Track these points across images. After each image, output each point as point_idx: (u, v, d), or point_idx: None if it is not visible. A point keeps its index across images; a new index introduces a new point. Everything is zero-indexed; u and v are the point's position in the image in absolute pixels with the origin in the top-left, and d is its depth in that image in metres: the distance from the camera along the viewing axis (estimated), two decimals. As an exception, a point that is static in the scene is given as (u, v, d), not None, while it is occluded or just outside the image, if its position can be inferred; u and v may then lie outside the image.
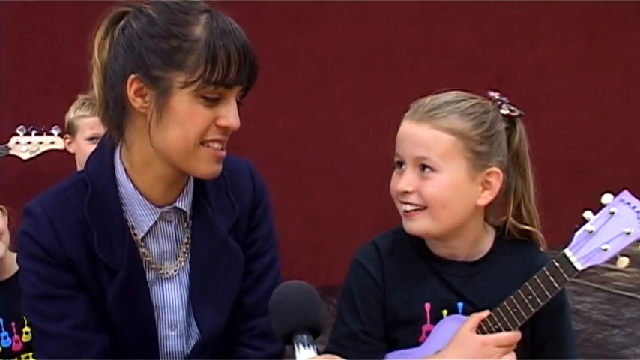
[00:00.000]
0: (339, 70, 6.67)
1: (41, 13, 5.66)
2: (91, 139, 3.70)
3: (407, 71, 6.60)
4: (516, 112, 2.10)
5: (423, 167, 2.01)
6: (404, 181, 2.03)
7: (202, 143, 1.88)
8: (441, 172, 2.00)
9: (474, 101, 2.06)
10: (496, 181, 2.05)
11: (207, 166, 1.91)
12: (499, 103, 2.09)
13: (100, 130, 3.61)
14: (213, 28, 1.83)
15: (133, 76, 1.85)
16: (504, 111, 2.08)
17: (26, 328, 2.75)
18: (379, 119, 7.09)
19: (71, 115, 3.80)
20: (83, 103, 3.77)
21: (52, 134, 4.20)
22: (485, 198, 2.06)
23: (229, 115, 1.87)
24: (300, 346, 1.61)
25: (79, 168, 3.73)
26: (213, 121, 1.87)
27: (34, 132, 4.28)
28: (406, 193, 2.02)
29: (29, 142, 4.26)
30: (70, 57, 5.73)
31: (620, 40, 7.44)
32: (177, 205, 2.00)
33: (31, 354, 2.77)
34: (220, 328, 2.03)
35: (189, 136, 1.86)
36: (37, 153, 4.25)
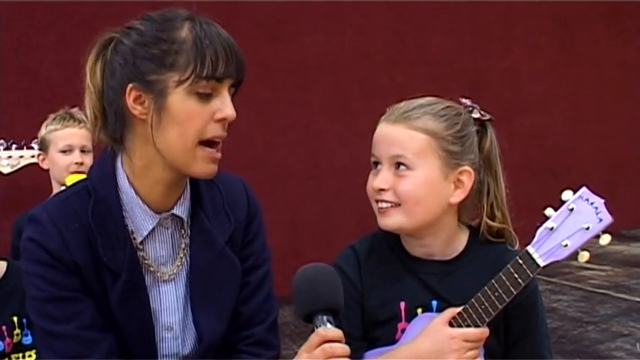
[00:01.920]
0: (316, 79, 6.70)
1: (22, 27, 5.68)
2: (64, 151, 3.74)
3: (383, 78, 6.63)
4: (487, 117, 2.18)
5: (399, 165, 2.08)
6: (380, 178, 2.10)
7: (202, 143, 1.95)
8: (415, 170, 2.08)
9: (447, 104, 2.15)
10: (468, 180, 2.13)
11: (204, 166, 1.97)
12: (470, 108, 2.18)
13: (73, 141, 3.70)
14: (198, 29, 1.91)
15: (130, 85, 1.92)
16: (475, 115, 2.17)
17: (17, 330, 2.79)
18: (357, 126, 6.93)
19: (42, 131, 3.82)
20: (54, 119, 3.80)
21: (32, 148, 4.23)
22: (458, 196, 2.13)
23: (224, 107, 1.93)
24: (328, 324, 1.81)
25: (54, 183, 3.77)
26: (210, 117, 1.93)
27: (14, 146, 4.32)
28: (382, 190, 2.09)
29: (9, 157, 4.28)
30: (49, 71, 5.77)
31: (591, 44, 7.50)
32: (174, 211, 2.06)
33: (20, 355, 2.82)
34: (220, 334, 2.09)
35: (188, 134, 1.93)
36: (18, 167, 4.27)
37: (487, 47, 7.26)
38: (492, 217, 2.19)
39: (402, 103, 2.15)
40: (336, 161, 6.58)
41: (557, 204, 2.05)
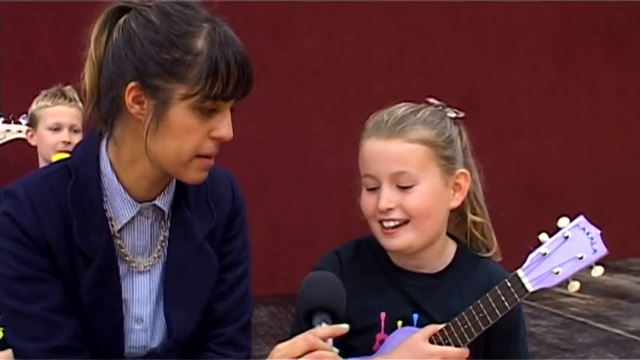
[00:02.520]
0: (313, 81, 6.68)
1: (17, 3, 5.63)
2: (52, 128, 3.71)
3: (380, 86, 6.61)
4: (461, 114, 2.15)
5: (401, 181, 2.04)
6: (384, 199, 2.05)
7: (196, 155, 1.92)
8: (420, 183, 2.05)
9: (428, 110, 2.12)
10: (465, 182, 2.11)
11: (196, 174, 1.94)
12: (441, 107, 2.14)
13: (62, 119, 3.67)
14: (215, 41, 1.85)
15: (132, 84, 1.86)
16: (451, 114, 2.14)
17: None
18: (350, 132, 7.00)
19: (33, 107, 3.79)
20: (45, 95, 3.77)
21: (19, 123, 4.19)
22: (457, 199, 2.11)
23: (223, 127, 1.90)
24: (324, 323, 1.78)
25: (41, 160, 3.74)
26: (207, 133, 1.90)
27: (1, 119, 4.27)
28: (389, 210, 2.05)
29: (-5, 129, 4.24)
30: (43, 48, 5.72)
31: (590, 72, 7.49)
32: (156, 202, 2.02)
33: None
34: (190, 330, 2.05)
35: (185, 149, 1.89)
36: (4, 141, 4.23)
37: (486, 65, 7.25)
38: (475, 212, 2.17)
39: (384, 116, 2.10)
40: (325, 165, 6.56)
41: (542, 230, 2.02)
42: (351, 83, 6.74)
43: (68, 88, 3.74)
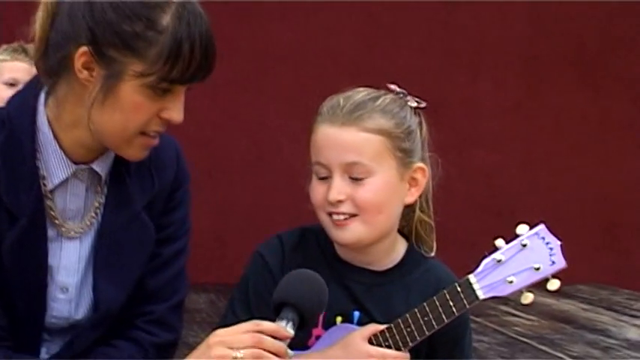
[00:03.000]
0: (276, 69, 6.65)
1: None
2: (8, 83, 3.62)
3: (344, 83, 6.49)
4: (422, 104, 2.05)
5: (354, 172, 1.94)
6: (335, 190, 1.94)
7: (140, 133, 1.83)
8: (374, 176, 1.94)
9: (388, 97, 2.00)
10: (422, 177, 2.01)
11: (137, 152, 1.86)
12: (402, 95, 2.03)
13: (19, 75, 3.56)
14: (183, 18, 1.75)
15: (85, 48, 1.75)
16: (412, 104, 2.02)
17: None
18: (308, 125, 7.20)
19: None
20: (5, 49, 3.71)
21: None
22: (412, 195, 2.01)
23: (175, 109, 1.81)
24: (289, 322, 1.69)
25: None
26: (157, 112, 1.81)
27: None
28: (339, 202, 1.94)
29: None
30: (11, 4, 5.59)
31: (557, 94, 7.51)
32: (93, 166, 1.92)
33: None
34: (119, 305, 1.95)
35: (130, 126, 1.80)
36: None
37: (453, 74, 7.23)
38: (424, 210, 2.07)
39: (340, 100, 1.98)
40: (280, 156, 6.53)
41: (491, 244, 1.92)
42: (314, 76, 6.70)
43: (31, 46, 3.62)
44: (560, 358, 4.60)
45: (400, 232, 2.08)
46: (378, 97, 1.98)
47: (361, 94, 1.99)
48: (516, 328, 5.27)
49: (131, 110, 1.79)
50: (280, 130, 6.60)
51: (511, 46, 7.42)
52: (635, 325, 5.46)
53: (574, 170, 7.48)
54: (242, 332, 1.69)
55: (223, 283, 5.96)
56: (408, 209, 2.06)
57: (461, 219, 6.44)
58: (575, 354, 4.68)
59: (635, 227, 7.45)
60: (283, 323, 1.70)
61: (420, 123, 2.03)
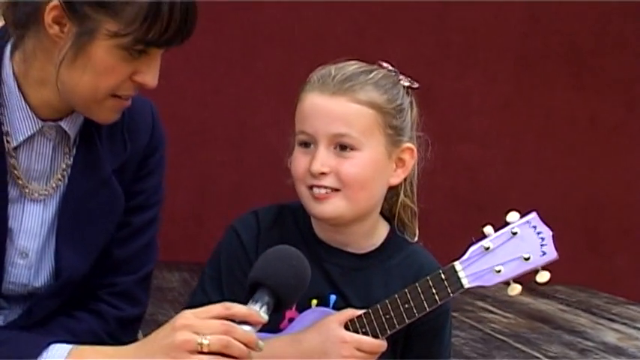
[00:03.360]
0: (264, 49, 6.56)
1: None
2: None
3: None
4: (415, 85, 1.98)
5: (341, 145, 1.85)
6: (319, 161, 1.85)
7: (112, 95, 1.73)
8: (361, 150, 1.86)
9: (382, 72, 1.93)
10: (409, 158, 1.93)
11: (107, 114, 1.77)
12: (394, 73, 1.96)
13: None
14: None
15: (56, 2, 1.65)
16: (405, 83, 1.96)
17: None
18: (294, 108, 7.20)
19: None
20: None
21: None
22: (398, 176, 1.93)
23: (149, 74, 1.72)
24: (264, 306, 1.56)
25: None
26: (130, 75, 1.71)
27: None
28: (322, 174, 1.85)
29: None
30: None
31: (547, 92, 7.44)
32: (62, 124, 1.81)
33: None
34: (82, 274, 1.85)
35: (101, 87, 1.71)
36: None
37: (444, 65, 7.17)
38: (408, 195, 2.00)
39: (332, 70, 1.91)
40: (264, 137, 6.43)
41: (477, 239, 1.84)
42: (303, 59, 6.60)
43: None
44: (537, 357, 4.54)
45: (383, 215, 1.99)
46: (371, 71, 1.92)
47: (354, 66, 1.92)
48: (493, 325, 5.20)
49: (103, 71, 1.69)
50: (266, 111, 6.51)
51: (504, 41, 7.34)
52: (612, 329, 5.41)
53: (560, 170, 7.42)
54: (211, 316, 1.57)
55: (197, 263, 5.97)
56: (392, 192, 1.97)
57: (442, 211, 6.38)
58: (551, 354, 4.63)
59: (618, 231, 7.41)
60: (257, 307, 1.57)
61: (412, 103, 1.96)
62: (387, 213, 2.00)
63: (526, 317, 5.51)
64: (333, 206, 1.85)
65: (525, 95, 7.40)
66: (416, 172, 1.99)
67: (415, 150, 1.93)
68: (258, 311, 1.57)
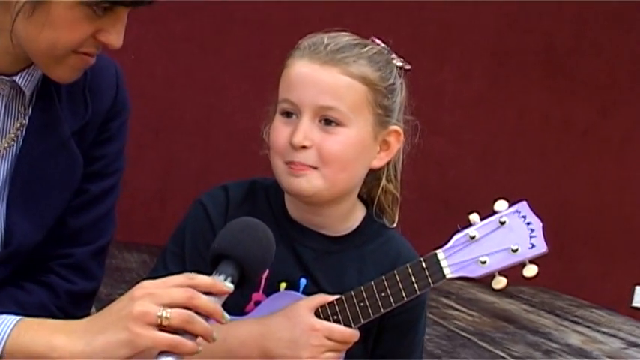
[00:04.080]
0: (237, 31, 6.45)
1: None
2: None
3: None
4: (408, 66, 1.87)
5: (326, 120, 1.73)
6: (301, 133, 1.72)
7: (73, 51, 1.58)
8: (348, 127, 1.74)
9: (376, 48, 1.81)
10: (395, 141, 1.82)
11: (67, 72, 1.62)
12: (387, 51, 1.84)
13: None
14: None
15: None
16: (398, 62, 1.84)
17: None
18: (265, 93, 7.14)
19: None
20: None
21: None
22: (381, 159, 1.82)
23: (114, 33, 1.58)
24: (229, 277, 1.45)
25: None
26: (93, 34, 1.57)
27: None
28: (303, 148, 1.72)
29: None
30: None
31: (522, 90, 7.39)
32: (17, 79, 1.66)
33: None
34: (34, 243, 1.71)
35: (61, 44, 1.55)
36: None
37: (419, 58, 6.99)
38: (390, 181, 1.90)
39: (325, 39, 1.78)
40: (233, 121, 6.34)
41: (442, 238, 1.74)
42: (276, 43, 6.46)
43: None
44: (502, 357, 4.52)
45: (360, 198, 1.88)
46: (365, 45, 1.80)
47: (347, 37, 1.80)
48: (457, 322, 5.16)
49: (63, 28, 1.54)
50: (235, 95, 6.41)
51: (480, 38, 7.27)
52: (576, 331, 5.42)
53: (530, 170, 7.38)
54: (172, 285, 1.44)
55: (158, 245, 5.84)
56: (373, 175, 1.86)
57: (409, 206, 6.29)
58: (516, 354, 4.60)
59: (583, 235, 7.41)
60: (221, 278, 1.44)
61: (402, 84, 1.85)
62: (366, 196, 1.89)
63: (490, 316, 5.48)
64: (308, 182, 1.73)
65: (499, 93, 7.35)
66: (401, 158, 1.88)
67: (402, 134, 1.82)
68: (223, 282, 1.44)
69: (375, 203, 1.87)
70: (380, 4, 6.85)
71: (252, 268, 1.48)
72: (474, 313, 5.43)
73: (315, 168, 1.72)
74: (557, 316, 5.88)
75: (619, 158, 7.58)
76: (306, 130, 1.71)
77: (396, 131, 1.81)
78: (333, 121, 1.72)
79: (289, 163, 1.73)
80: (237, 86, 6.40)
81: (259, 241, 1.50)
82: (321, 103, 1.71)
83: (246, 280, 1.48)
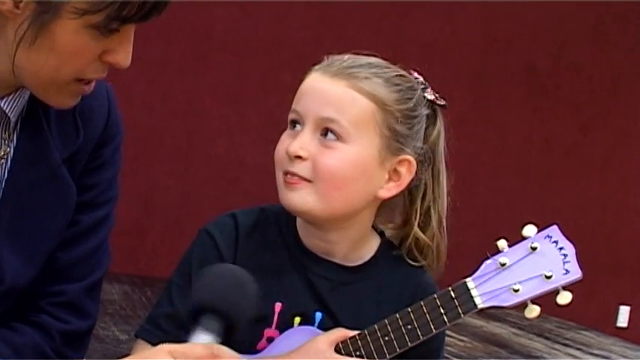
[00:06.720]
0: (216, 55, 6.46)
1: None
2: None
3: (285, 75, 6.40)
4: (442, 102, 1.80)
5: (327, 132, 1.66)
6: (299, 142, 1.65)
7: (76, 79, 1.50)
8: (348, 143, 1.65)
9: (400, 72, 1.74)
10: (407, 173, 1.70)
11: (65, 99, 1.53)
12: (423, 86, 1.77)
13: None
14: None
15: None
16: (430, 96, 1.77)
17: None
18: (246, 118, 7.12)
19: None
20: None
21: None
22: (389, 190, 1.71)
23: (122, 51, 1.49)
24: (212, 334, 1.36)
25: None
26: (99, 55, 1.48)
27: None
28: (298, 158, 1.64)
29: None
30: None
31: (503, 113, 7.43)
32: (1, 105, 1.55)
33: None
34: (27, 280, 1.61)
35: (65, 71, 1.47)
36: None
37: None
38: (424, 228, 1.76)
39: (345, 57, 1.73)
40: (213, 147, 6.32)
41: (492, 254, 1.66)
42: (256, 66, 6.54)
43: None
44: (499, 384, 4.50)
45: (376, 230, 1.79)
46: (387, 67, 1.74)
47: (372, 58, 1.74)
48: (449, 348, 5.12)
49: (68, 54, 1.45)
50: (215, 120, 6.38)
51: (461, 59, 7.31)
52: (569, 354, 5.42)
53: (512, 191, 7.40)
54: (196, 358, 1.34)
55: (139, 276, 5.90)
56: (400, 217, 1.78)
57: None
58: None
59: (568, 255, 7.40)
60: (210, 338, 1.35)
61: (434, 119, 1.78)
62: (395, 241, 1.78)
63: (481, 341, 5.46)
64: (300, 196, 1.65)
65: (480, 113, 7.37)
66: (445, 204, 1.80)
67: (414, 164, 1.71)
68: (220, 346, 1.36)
69: (406, 248, 1.77)
70: (360, 25, 6.86)
71: (240, 321, 1.39)
72: (465, 339, 5.40)
73: (309, 181, 1.65)
74: (547, 339, 5.87)
75: (602, 177, 7.62)
76: (305, 140, 1.65)
77: (407, 160, 1.70)
78: (332, 133, 1.65)
79: (285, 174, 1.66)
80: (217, 111, 6.38)
81: (242, 289, 1.42)
82: (323, 114, 1.65)
83: (231, 334, 1.39)
